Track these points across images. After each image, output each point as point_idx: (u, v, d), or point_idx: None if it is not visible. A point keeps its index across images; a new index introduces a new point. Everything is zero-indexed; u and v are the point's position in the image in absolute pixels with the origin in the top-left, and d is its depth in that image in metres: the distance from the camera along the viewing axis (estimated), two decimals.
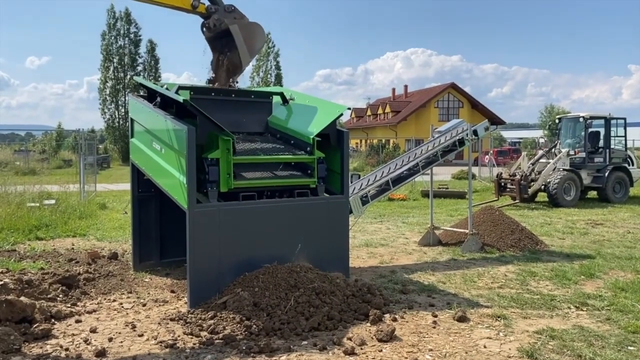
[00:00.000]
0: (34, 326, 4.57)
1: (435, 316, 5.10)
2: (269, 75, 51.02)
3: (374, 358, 4.12)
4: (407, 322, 4.96)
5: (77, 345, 4.34)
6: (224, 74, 6.72)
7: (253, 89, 7.55)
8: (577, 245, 8.85)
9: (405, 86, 63.12)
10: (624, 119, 16.62)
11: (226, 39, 6.64)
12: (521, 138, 65.35)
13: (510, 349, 4.34)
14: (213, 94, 6.44)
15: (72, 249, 8.48)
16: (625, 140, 16.70)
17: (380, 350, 4.26)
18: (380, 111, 58.62)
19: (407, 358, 4.11)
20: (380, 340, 4.43)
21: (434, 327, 4.82)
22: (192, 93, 6.22)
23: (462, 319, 5.00)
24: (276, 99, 6.90)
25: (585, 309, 5.41)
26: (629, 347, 4.36)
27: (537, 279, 6.61)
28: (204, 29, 6.74)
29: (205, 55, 6.92)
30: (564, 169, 15.10)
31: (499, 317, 5.09)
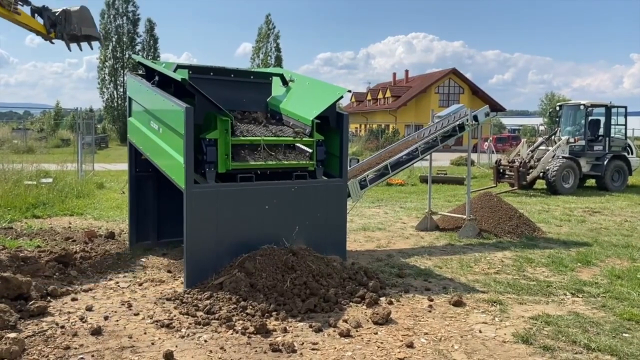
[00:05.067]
0: (30, 303, 4.56)
1: (431, 300, 5.11)
2: (269, 57, 50.63)
3: (369, 340, 4.13)
4: (403, 305, 4.97)
5: (73, 323, 4.34)
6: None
7: (253, 70, 7.47)
8: (574, 233, 8.86)
9: (406, 71, 62.82)
10: (625, 107, 16.54)
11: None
12: (521, 125, 65.15)
13: (505, 334, 4.35)
14: (212, 73, 6.38)
15: (69, 227, 8.47)
16: (626, 129, 16.66)
17: (376, 333, 4.27)
18: (380, 96, 58.30)
19: (402, 341, 4.12)
20: (375, 323, 4.44)
21: (430, 311, 4.83)
22: (190, 72, 6.15)
23: (458, 303, 5.01)
24: (276, 80, 6.84)
25: (581, 296, 5.42)
26: (624, 334, 4.37)
27: (533, 266, 6.62)
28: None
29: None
30: (563, 157, 15.07)
31: (494, 302, 5.10)
